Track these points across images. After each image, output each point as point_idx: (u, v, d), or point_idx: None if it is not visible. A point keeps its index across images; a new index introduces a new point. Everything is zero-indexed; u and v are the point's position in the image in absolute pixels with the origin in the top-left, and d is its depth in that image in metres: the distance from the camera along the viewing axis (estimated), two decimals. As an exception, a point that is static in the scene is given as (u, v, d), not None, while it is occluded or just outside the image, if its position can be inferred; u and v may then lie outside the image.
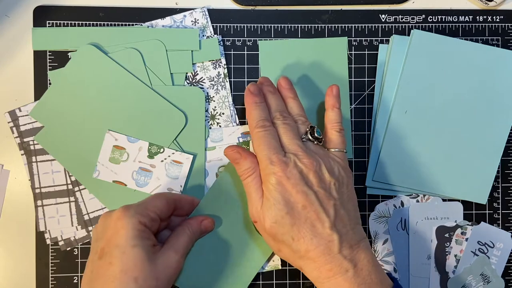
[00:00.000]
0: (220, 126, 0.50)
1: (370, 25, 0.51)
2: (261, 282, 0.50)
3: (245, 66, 0.51)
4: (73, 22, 0.50)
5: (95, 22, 0.50)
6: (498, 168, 0.51)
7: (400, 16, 0.52)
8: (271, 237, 0.42)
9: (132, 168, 0.48)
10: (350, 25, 0.51)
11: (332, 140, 0.45)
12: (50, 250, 0.49)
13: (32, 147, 0.48)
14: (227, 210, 0.47)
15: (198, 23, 0.50)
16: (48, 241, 0.48)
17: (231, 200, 0.47)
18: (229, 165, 0.47)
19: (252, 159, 0.43)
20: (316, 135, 0.44)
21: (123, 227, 0.39)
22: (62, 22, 0.50)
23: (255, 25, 0.51)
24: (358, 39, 0.51)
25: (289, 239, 0.40)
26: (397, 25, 0.52)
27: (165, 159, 0.48)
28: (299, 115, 0.45)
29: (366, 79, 0.51)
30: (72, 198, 0.49)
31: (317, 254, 0.40)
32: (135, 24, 0.50)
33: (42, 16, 0.49)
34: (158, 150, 0.48)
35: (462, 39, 0.51)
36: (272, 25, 0.51)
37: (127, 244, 0.38)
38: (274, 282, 0.50)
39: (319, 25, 0.51)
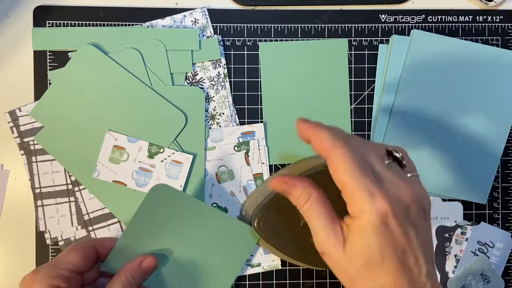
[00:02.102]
0: (220, 126, 0.50)
1: (370, 25, 0.51)
2: (261, 282, 0.50)
3: (245, 66, 0.51)
4: (73, 22, 0.50)
5: (95, 22, 0.50)
6: (498, 168, 0.51)
7: (400, 16, 0.52)
8: (350, 279, 0.33)
9: (132, 168, 0.48)
10: (350, 25, 0.51)
11: (407, 163, 0.36)
12: (50, 250, 0.49)
13: (32, 147, 0.48)
14: (164, 233, 0.44)
15: (198, 23, 0.50)
16: (48, 241, 0.48)
17: (163, 222, 0.44)
18: (151, 190, 0.44)
19: (303, 183, 0.35)
20: (398, 154, 0.35)
21: None
22: (62, 22, 0.50)
23: (255, 25, 0.51)
24: (358, 39, 0.51)
25: (369, 282, 0.32)
26: (397, 25, 0.52)
27: (165, 159, 0.48)
28: None
29: (366, 79, 0.51)
30: (72, 198, 0.49)
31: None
32: (135, 24, 0.50)
33: (42, 16, 0.49)
34: (158, 150, 0.48)
35: (462, 39, 0.51)
36: (272, 25, 0.51)
37: None
38: (274, 282, 0.50)
39: (319, 25, 0.51)
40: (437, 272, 0.50)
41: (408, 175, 0.35)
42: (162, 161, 0.48)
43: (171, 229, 0.45)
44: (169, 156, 0.48)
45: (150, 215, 0.44)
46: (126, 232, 0.43)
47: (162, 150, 0.48)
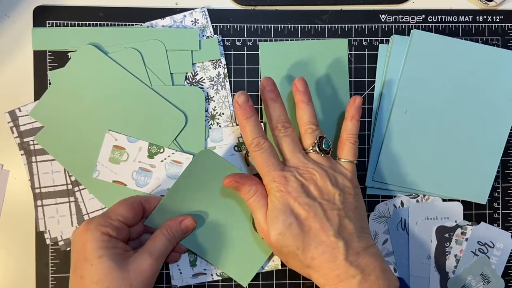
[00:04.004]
0: (220, 126, 0.50)
1: (370, 25, 0.51)
2: (261, 282, 0.50)
3: (245, 66, 0.51)
4: (73, 22, 0.50)
5: (95, 22, 0.50)
6: (498, 168, 0.51)
7: (400, 16, 0.52)
8: (277, 250, 0.43)
9: (132, 168, 0.48)
10: (350, 25, 0.51)
11: (344, 150, 0.46)
12: (50, 250, 0.49)
13: (32, 147, 0.48)
14: (204, 196, 0.47)
15: (198, 23, 0.50)
16: (48, 241, 0.48)
17: (204, 186, 0.47)
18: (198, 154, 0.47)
19: (251, 181, 0.44)
20: (324, 147, 0.45)
21: (87, 241, 0.40)
22: (62, 22, 0.50)
23: (255, 25, 0.51)
24: (358, 39, 0.51)
25: (295, 250, 0.41)
26: (397, 25, 0.52)
27: (165, 159, 0.48)
28: (309, 122, 0.45)
29: (366, 79, 0.51)
30: (72, 198, 0.49)
31: (323, 262, 0.40)
32: (135, 24, 0.50)
33: (42, 16, 0.49)
34: (158, 150, 0.48)
35: (462, 39, 0.51)
36: (272, 25, 0.51)
37: (93, 256, 0.39)
38: (274, 282, 0.50)
39: (319, 25, 0.51)
40: (436, 271, 0.50)
41: (341, 160, 0.46)
42: (162, 161, 0.48)
43: (210, 193, 0.47)
44: (169, 156, 0.48)
45: (194, 177, 0.47)
46: (170, 192, 0.46)
47: (162, 150, 0.48)
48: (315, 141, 0.45)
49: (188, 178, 0.47)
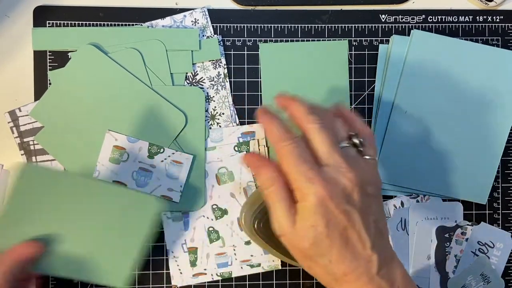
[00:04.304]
0: (220, 126, 0.50)
1: (370, 25, 0.51)
2: (261, 282, 0.50)
3: (245, 66, 0.51)
4: (73, 22, 0.50)
5: (95, 22, 0.50)
6: (498, 168, 0.51)
7: (400, 16, 0.52)
8: (304, 257, 0.38)
9: (132, 168, 0.48)
10: (350, 25, 0.51)
11: (366, 148, 0.40)
12: (50, 250, 0.49)
13: (32, 147, 0.48)
14: (44, 215, 0.42)
15: (198, 23, 0.50)
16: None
17: (44, 208, 0.42)
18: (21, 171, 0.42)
19: (274, 168, 0.38)
20: (356, 139, 0.39)
21: None
22: (62, 22, 0.50)
23: (255, 25, 0.51)
24: (358, 39, 0.51)
25: (326, 261, 0.36)
26: (397, 25, 0.52)
27: (165, 159, 0.48)
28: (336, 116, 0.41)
29: (366, 79, 0.51)
30: (72, 198, 0.49)
31: (355, 278, 0.36)
32: (135, 24, 0.50)
33: (42, 16, 0.49)
34: (158, 150, 0.48)
35: (462, 39, 0.51)
36: (272, 25, 0.51)
37: None
38: (274, 282, 0.50)
39: (319, 25, 0.51)
40: (436, 271, 0.50)
41: (366, 157, 0.39)
42: (162, 161, 0.48)
43: (55, 211, 0.42)
44: (169, 156, 0.48)
45: (25, 199, 0.42)
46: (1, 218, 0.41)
47: (162, 150, 0.48)
48: (351, 133, 0.39)
49: (18, 201, 0.42)
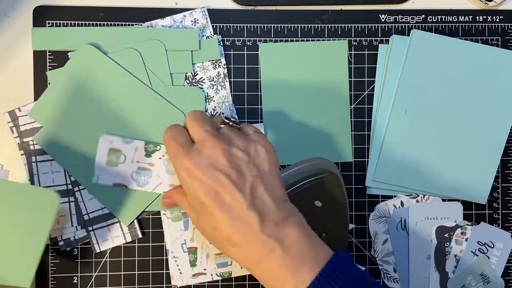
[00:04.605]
0: (220, 126, 0.50)
1: (370, 25, 0.51)
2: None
3: (245, 66, 0.51)
4: (73, 22, 0.50)
5: (95, 22, 0.50)
6: (498, 168, 0.51)
7: (400, 16, 0.52)
8: (204, 235, 0.40)
9: (131, 169, 0.48)
10: (350, 25, 0.51)
11: (244, 128, 0.43)
12: (50, 250, 0.49)
13: (32, 147, 0.48)
14: None
15: (198, 23, 0.50)
16: (48, 241, 0.48)
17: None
18: None
19: (180, 191, 0.43)
20: (232, 119, 0.42)
21: None
22: (62, 22, 0.50)
23: (255, 25, 0.51)
24: (358, 39, 0.51)
25: (211, 230, 0.38)
26: (397, 25, 0.52)
27: (163, 156, 0.48)
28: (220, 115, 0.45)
29: (366, 79, 0.51)
30: (72, 198, 0.49)
31: (239, 238, 0.37)
32: (135, 24, 0.50)
33: (42, 16, 0.49)
34: (155, 148, 0.48)
35: (462, 39, 0.51)
36: (272, 25, 0.51)
37: None
38: (274, 282, 0.50)
39: (319, 25, 0.51)
40: (436, 271, 0.50)
41: (247, 133, 0.42)
42: (160, 158, 0.48)
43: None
44: (166, 152, 0.48)
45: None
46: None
47: (158, 147, 0.48)
48: (223, 118, 0.42)
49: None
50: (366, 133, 0.51)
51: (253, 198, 0.38)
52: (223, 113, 0.50)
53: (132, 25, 0.50)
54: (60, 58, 0.49)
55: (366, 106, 0.51)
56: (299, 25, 0.51)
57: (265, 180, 0.39)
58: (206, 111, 0.50)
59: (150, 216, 0.49)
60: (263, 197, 0.38)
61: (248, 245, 0.37)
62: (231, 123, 0.42)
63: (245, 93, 0.51)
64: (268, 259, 0.36)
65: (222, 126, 0.42)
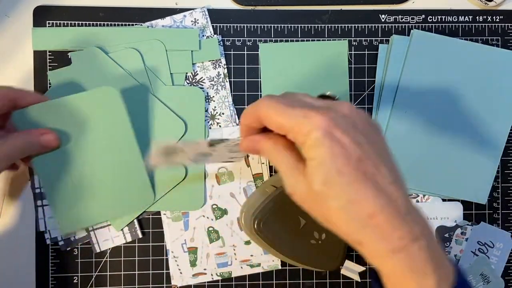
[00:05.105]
0: (220, 126, 0.50)
1: (370, 25, 0.51)
2: (261, 282, 0.50)
3: (245, 66, 0.51)
4: (73, 22, 0.50)
5: (95, 22, 0.50)
6: (498, 168, 0.51)
7: (400, 16, 0.52)
8: (318, 206, 0.32)
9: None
10: (350, 25, 0.51)
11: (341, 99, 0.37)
12: (50, 250, 0.49)
13: (32, 147, 0.48)
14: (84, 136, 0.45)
15: (198, 23, 0.50)
16: (48, 241, 0.48)
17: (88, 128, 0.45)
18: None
19: (269, 136, 0.35)
20: (330, 93, 0.37)
21: None
22: (62, 22, 0.50)
23: (255, 25, 0.51)
24: (358, 39, 0.51)
25: (345, 204, 0.30)
26: (397, 25, 0.52)
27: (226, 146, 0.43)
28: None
29: (366, 79, 0.51)
30: (72, 198, 0.49)
31: (385, 219, 0.30)
32: (135, 24, 0.50)
33: (42, 16, 0.49)
34: (221, 141, 0.41)
35: (462, 39, 0.51)
36: (272, 25, 0.51)
37: None
38: (274, 282, 0.50)
39: (319, 25, 0.51)
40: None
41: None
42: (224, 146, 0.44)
43: (93, 133, 0.46)
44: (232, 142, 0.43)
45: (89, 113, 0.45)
46: (58, 101, 0.44)
47: (225, 140, 0.42)
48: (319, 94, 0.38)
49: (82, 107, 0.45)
50: (366, 133, 0.51)
51: (394, 173, 0.31)
52: (223, 113, 0.50)
53: (132, 25, 0.50)
54: (60, 58, 0.49)
55: (366, 106, 0.51)
56: (299, 25, 0.51)
57: (390, 153, 0.33)
58: (206, 111, 0.50)
59: (150, 216, 0.49)
60: (399, 174, 0.32)
61: (391, 227, 0.30)
62: (335, 97, 0.37)
63: (245, 93, 0.51)
64: (412, 246, 0.30)
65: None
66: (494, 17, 0.52)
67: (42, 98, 0.44)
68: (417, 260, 0.30)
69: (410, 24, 0.52)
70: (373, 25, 0.51)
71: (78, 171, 0.46)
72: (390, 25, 0.52)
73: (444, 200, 0.51)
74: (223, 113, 0.50)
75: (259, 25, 0.51)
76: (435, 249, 0.30)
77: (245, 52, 0.51)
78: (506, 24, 0.52)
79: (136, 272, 0.49)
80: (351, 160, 0.30)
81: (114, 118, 0.46)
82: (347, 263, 0.49)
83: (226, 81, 0.50)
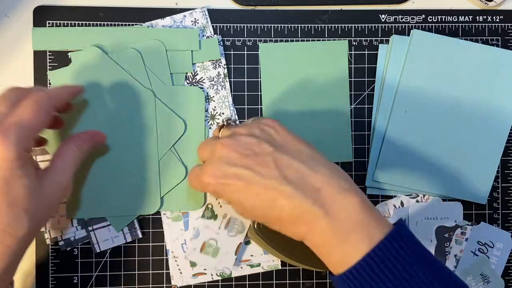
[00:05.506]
0: (220, 126, 0.50)
1: (370, 25, 0.51)
2: (261, 282, 0.50)
3: (245, 66, 0.51)
4: (73, 22, 0.50)
5: (95, 22, 0.50)
6: (498, 168, 0.51)
7: (400, 16, 0.52)
8: (251, 218, 0.42)
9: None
10: (350, 25, 0.51)
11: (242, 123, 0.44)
12: (50, 250, 0.49)
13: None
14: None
15: (198, 23, 0.50)
16: (48, 241, 0.48)
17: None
18: None
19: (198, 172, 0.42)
20: (230, 121, 0.45)
21: (5, 157, 0.34)
22: (62, 22, 0.50)
23: (255, 25, 0.51)
24: (358, 39, 0.51)
25: (263, 221, 0.39)
26: (397, 25, 0.52)
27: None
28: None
29: (366, 79, 0.51)
30: (72, 198, 0.49)
31: (288, 217, 0.37)
32: (135, 24, 0.50)
33: (42, 16, 0.49)
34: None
35: (462, 39, 0.51)
36: (272, 25, 0.51)
37: (12, 175, 0.35)
38: (274, 282, 0.50)
39: (319, 25, 0.51)
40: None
41: (247, 122, 0.43)
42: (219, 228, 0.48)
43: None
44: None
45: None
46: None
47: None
48: (220, 124, 0.45)
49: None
50: (366, 133, 0.51)
51: (281, 171, 0.37)
52: (223, 113, 0.50)
53: (132, 25, 0.50)
54: (60, 58, 0.49)
55: (366, 106, 0.51)
56: (299, 25, 0.51)
57: (286, 148, 0.39)
58: (206, 111, 0.50)
59: (150, 216, 0.49)
60: (291, 165, 0.37)
61: (295, 220, 0.36)
62: (225, 123, 0.44)
63: (245, 93, 0.51)
64: (315, 227, 0.35)
65: (221, 130, 0.43)
66: (494, 17, 0.52)
67: (75, 89, 0.44)
68: (321, 239, 0.36)
69: (410, 24, 0.52)
70: (373, 25, 0.51)
71: (102, 160, 0.47)
72: (390, 25, 0.52)
73: (444, 200, 0.51)
74: (223, 113, 0.50)
75: (259, 25, 0.51)
76: (341, 223, 0.35)
77: (245, 52, 0.51)
78: (506, 24, 0.52)
79: (136, 272, 0.49)
80: (242, 192, 0.38)
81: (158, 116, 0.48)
82: (347, 263, 0.49)
83: (226, 81, 0.50)
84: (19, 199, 0.35)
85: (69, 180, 0.40)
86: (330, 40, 0.51)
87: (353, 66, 0.51)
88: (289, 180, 0.37)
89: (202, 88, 0.50)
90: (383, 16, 0.52)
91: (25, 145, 0.36)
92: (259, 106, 0.51)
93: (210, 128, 0.50)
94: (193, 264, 0.49)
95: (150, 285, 0.49)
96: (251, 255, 0.49)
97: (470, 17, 0.52)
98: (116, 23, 0.50)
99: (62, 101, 0.42)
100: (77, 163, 0.41)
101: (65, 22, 0.50)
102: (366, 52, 0.51)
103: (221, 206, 0.48)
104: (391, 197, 0.51)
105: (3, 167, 0.34)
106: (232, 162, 0.38)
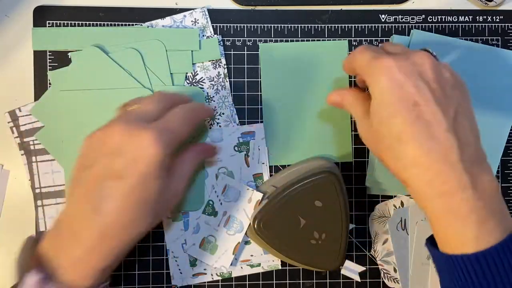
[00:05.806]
0: (220, 126, 0.50)
1: (370, 25, 0.51)
2: (261, 282, 0.50)
3: (245, 66, 0.51)
4: (73, 22, 0.50)
5: (95, 22, 0.50)
6: (498, 168, 0.51)
7: (400, 16, 0.52)
8: (375, 144, 0.36)
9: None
10: (350, 25, 0.51)
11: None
12: (50, 250, 0.49)
13: (32, 147, 0.48)
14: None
15: (198, 23, 0.50)
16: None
17: None
18: None
19: (341, 91, 0.42)
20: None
21: (154, 157, 0.35)
22: (62, 22, 0.50)
23: (255, 25, 0.51)
24: (358, 39, 0.51)
25: (393, 142, 0.34)
26: (397, 25, 0.52)
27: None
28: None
29: (366, 79, 0.51)
30: (72, 198, 0.49)
31: (429, 162, 0.32)
32: (135, 24, 0.50)
33: (42, 16, 0.49)
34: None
35: (462, 39, 0.51)
36: (272, 25, 0.51)
37: (153, 175, 0.35)
38: (274, 282, 0.50)
39: (319, 25, 0.51)
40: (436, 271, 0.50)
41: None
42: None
43: None
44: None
45: None
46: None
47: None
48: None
49: None
50: (366, 133, 0.51)
51: (455, 123, 0.34)
52: (223, 113, 0.50)
53: (132, 25, 0.50)
54: (60, 58, 0.49)
55: (366, 106, 0.51)
56: (299, 25, 0.51)
57: (467, 111, 0.36)
58: (206, 111, 0.50)
59: (150, 216, 0.49)
60: (465, 126, 0.34)
61: (436, 170, 0.32)
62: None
63: (245, 93, 0.51)
64: (456, 194, 0.32)
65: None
66: (494, 17, 0.52)
67: (211, 111, 0.47)
68: (459, 209, 0.32)
69: (410, 24, 0.52)
70: (373, 25, 0.51)
71: None
72: (390, 25, 0.52)
73: (444, 200, 0.51)
74: (223, 113, 0.50)
75: (259, 25, 0.51)
76: (485, 203, 0.32)
77: (245, 52, 0.51)
78: (506, 24, 0.52)
79: (136, 272, 0.49)
80: (406, 102, 0.33)
81: None
82: (347, 263, 0.49)
83: (226, 81, 0.50)
84: (150, 199, 0.36)
85: (184, 188, 0.41)
86: (330, 40, 0.51)
87: (353, 66, 0.51)
88: (457, 134, 0.33)
89: (202, 88, 0.50)
90: (383, 16, 0.52)
91: (169, 150, 0.37)
92: (259, 106, 0.51)
93: (210, 128, 0.50)
94: (193, 264, 0.49)
95: (150, 285, 0.49)
96: (251, 255, 0.49)
97: (470, 17, 0.52)
98: (116, 23, 0.50)
99: (201, 118, 0.44)
100: (192, 174, 0.43)
101: (65, 22, 0.50)
102: (366, 52, 0.51)
103: (221, 204, 0.48)
104: (391, 197, 0.51)
105: (148, 165, 0.35)
106: (424, 76, 0.34)
